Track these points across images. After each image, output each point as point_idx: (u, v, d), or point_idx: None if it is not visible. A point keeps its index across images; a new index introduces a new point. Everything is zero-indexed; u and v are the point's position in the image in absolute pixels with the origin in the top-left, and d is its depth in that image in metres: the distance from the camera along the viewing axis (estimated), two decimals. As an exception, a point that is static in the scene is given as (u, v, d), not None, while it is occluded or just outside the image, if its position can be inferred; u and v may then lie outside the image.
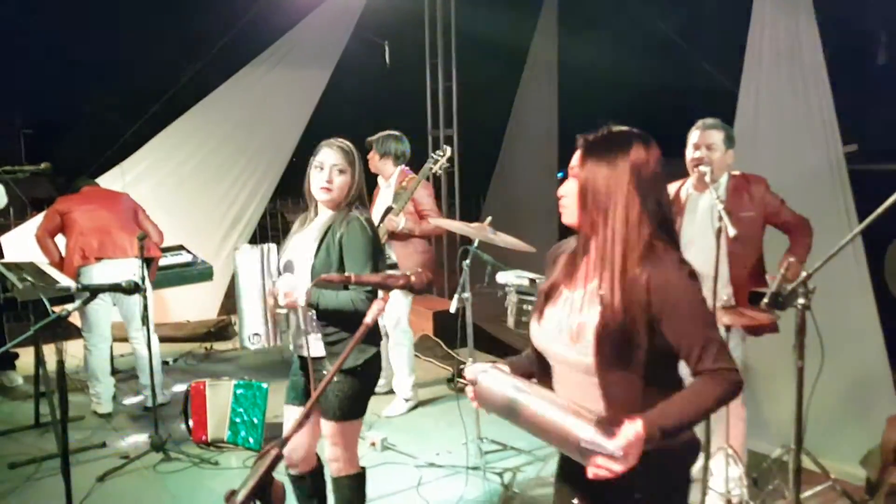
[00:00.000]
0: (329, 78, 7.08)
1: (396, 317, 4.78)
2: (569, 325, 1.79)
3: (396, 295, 4.66)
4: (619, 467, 1.55)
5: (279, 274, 2.79)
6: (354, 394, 2.76)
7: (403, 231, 4.52)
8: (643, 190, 1.75)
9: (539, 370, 1.95)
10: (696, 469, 3.13)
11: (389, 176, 4.76)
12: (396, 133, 4.78)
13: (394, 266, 4.50)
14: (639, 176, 1.75)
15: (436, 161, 4.51)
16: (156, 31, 9.71)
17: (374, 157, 4.71)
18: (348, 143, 2.84)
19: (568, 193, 1.82)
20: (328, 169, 2.75)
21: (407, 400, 4.88)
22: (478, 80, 7.92)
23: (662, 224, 1.78)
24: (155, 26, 9.72)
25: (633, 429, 1.57)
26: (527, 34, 7.93)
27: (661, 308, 1.71)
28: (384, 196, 4.76)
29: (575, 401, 1.70)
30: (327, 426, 2.79)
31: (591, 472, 1.57)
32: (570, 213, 1.82)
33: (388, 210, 4.58)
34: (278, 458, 1.49)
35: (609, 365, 1.74)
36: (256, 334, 2.76)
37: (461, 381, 5.19)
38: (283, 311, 2.77)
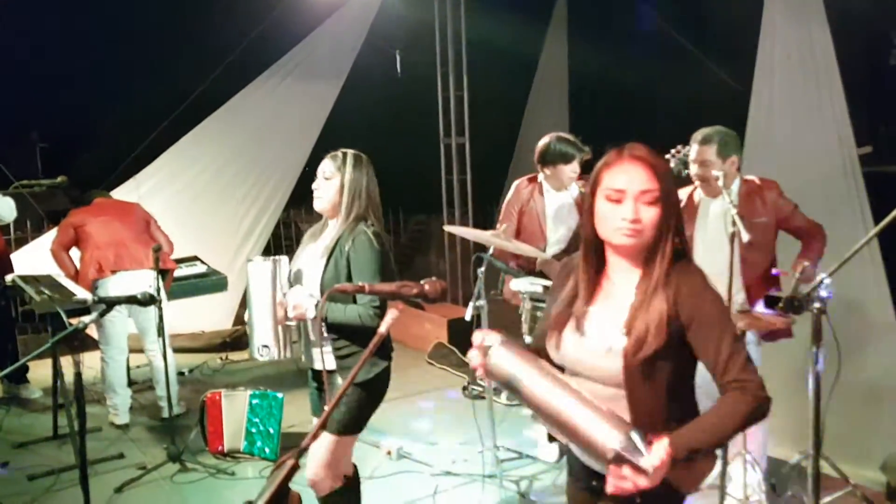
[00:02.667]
0: (341, 88, 7.11)
1: None
2: (603, 340, 1.78)
3: None
4: (644, 483, 1.55)
5: (290, 286, 2.79)
6: (360, 408, 2.74)
7: None
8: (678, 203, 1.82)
9: None
10: (715, 475, 3.12)
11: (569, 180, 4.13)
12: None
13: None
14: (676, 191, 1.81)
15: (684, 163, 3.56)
16: (168, 44, 9.78)
17: (569, 166, 4.06)
18: (352, 152, 2.83)
19: (646, 219, 1.74)
20: (318, 176, 2.81)
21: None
22: (489, 89, 7.92)
23: (681, 232, 1.82)
24: (168, 39, 9.80)
25: (664, 448, 1.57)
26: (537, 42, 7.94)
27: (689, 317, 1.73)
28: (559, 201, 4.19)
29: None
30: (324, 437, 2.72)
31: (613, 485, 1.57)
32: (643, 236, 1.75)
33: None
34: (295, 468, 1.50)
35: (640, 379, 1.74)
36: (266, 346, 2.75)
37: (476, 388, 5.19)
38: (293, 323, 2.76)
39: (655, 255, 1.77)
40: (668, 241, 1.77)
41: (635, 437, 1.56)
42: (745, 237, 2.73)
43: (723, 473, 3.07)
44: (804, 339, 2.81)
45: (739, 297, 3.19)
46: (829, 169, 4.15)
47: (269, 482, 1.48)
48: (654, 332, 1.71)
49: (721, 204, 3.27)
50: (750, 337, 3.26)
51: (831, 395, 2.81)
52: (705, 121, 3.45)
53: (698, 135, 3.33)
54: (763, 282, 3.31)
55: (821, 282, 2.63)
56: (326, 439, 2.73)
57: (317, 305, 2.67)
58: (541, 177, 4.17)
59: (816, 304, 2.65)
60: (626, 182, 1.75)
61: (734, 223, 2.81)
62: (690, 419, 1.75)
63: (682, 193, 3.47)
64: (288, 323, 2.75)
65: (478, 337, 1.77)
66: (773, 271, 3.25)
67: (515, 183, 4.24)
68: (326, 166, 2.80)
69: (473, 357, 1.76)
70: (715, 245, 3.21)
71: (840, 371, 2.83)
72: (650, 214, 1.75)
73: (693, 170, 3.32)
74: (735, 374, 1.70)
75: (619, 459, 1.54)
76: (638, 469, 1.54)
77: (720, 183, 3.11)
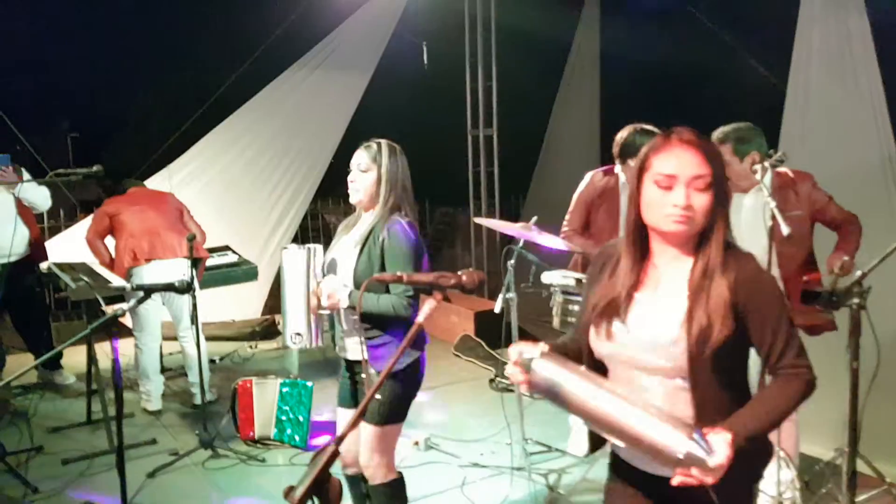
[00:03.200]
0: (370, 79, 7.12)
1: None
2: (662, 332, 1.73)
3: None
4: (710, 479, 1.54)
5: (324, 275, 2.80)
6: (397, 398, 2.73)
7: None
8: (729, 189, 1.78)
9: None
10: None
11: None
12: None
13: None
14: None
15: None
16: (200, 35, 9.85)
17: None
18: (385, 142, 2.79)
19: (698, 205, 1.70)
20: (353, 169, 2.77)
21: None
22: (518, 78, 7.89)
23: (728, 220, 1.79)
24: (199, 30, 9.87)
25: (727, 444, 1.56)
26: (569, 29, 7.87)
27: (747, 303, 1.71)
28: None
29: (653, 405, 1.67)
30: (367, 430, 2.74)
31: (678, 480, 1.56)
32: (694, 223, 1.71)
33: None
34: (335, 455, 1.51)
35: (706, 371, 1.71)
36: (298, 334, 2.75)
37: (503, 380, 5.18)
38: (326, 312, 2.77)
39: (709, 242, 1.73)
40: (721, 228, 1.73)
41: (698, 437, 1.55)
42: (786, 231, 2.68)
43: (756, 469, 3.03)
44: (841, 334, 2.77)
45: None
46: (867, 163, 4.08)
47: (309, 468, 1.49)
48: (720, 322, 1.68)
49: (755, 198, 3.22)
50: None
51: (869, 392, 2.76)
52: (738, 111, 3.40)
53: (714, 134, 3.26)
54: (801, 274, 3.26)
55: (861, 278, 2.59)
56: (372, 431, 2.73)
57: (350, 295, 2.67)
58: (618, 169, 3.91)
59: (855, 300, 2.61)
60: (677, 167, 1.69)
61: (773, 217, 2.76)
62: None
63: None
64: (321, 312, 2.76)
65: (514, 352, 1.72)
66: (805, 278, 3.19)
67: (589, 174, 4.03)
68: (362, 158, 2.76)
69: (514, 374, 1.71)
70: (749, 240, 3.16)
71: (879, 367, 2.78)
72: (702, 201, 1.70)
73: None
74: (791, 360, 1.72)
75: (687, 461, 1.53)
76: (705, 468, 1.53)
77: (758, 176, 3.06)
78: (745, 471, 1.77)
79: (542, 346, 1.72)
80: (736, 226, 3.24)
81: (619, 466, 1.94)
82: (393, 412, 2.75)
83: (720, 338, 1.68)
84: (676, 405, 1.73)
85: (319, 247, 2.82)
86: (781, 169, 3.32)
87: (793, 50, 4.47)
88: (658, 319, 1.75)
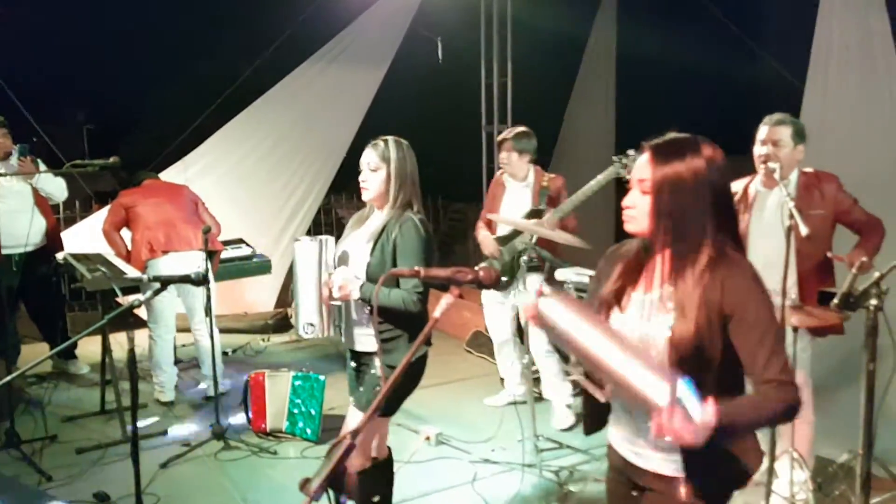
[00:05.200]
0: (384, 75, 7.11)
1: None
2: (650, 329, 1.78)
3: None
4: (689, 436, 1.50)
5: (335, 266, 2.82)
6: (394, 391, 2.75)
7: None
8: (714, 192, 1.76)
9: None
10: (761, 472, 3.08)
11: (525, 175, 4.48)
12: (528, 129, 4.48)
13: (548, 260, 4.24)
14: (710, 179, 1.75)
15: (624, 165, 4.00)
16: (215, 29, 9.88)
17: (510, 156, 4.43)
18: (392, 138, 2.84)
19: (636, 204, 1.80)
20: (364, 168, 2.83)
21: (569, 406, 4.51)
22: (533, 75, 7.86)
23: (730, 225, 1.81)
24: (214, 24, 9.90)
25: (713, 407, 1.54)
26: (585, 26, 7.83)
27: (733, 310, 1.71)
28: (518, 196, 4.47)
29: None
30: (357, 415, 2.78)
31: (657, 427, 1.53)
32: (638, 223, 1.81)
33: (539, 212, 4.31)
34: (351, 448, 1.52)
35: (687, 370, 1.69)
36: (311, 324, 2.79)
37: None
38: (338, 303, 2.80)
39: (656, 247, 1.80)
40: (663, 232, 1.76)
41: (688, 384, 1.54)
42: (804, 231, 2.66)
43: (769, 470, 3.03)
44: (857, 335, 2.74)
45: (793, 291, 3.12)
46: (886, 163, 4.04)
47: (326, 461, 1.50)
48: (690, 316, 1.70)
49: (778, 195, 3.20)
50: (803, 332, 3.20)
51: (885, 395, 2.74)
52: (756, 109, 3.38)
53: (774, 116, 3.26)
54: (817, 273, 3.24)
55: (879, 279, 2.57)
56: (358, 417, 2.76)
57: (363, 287, 2.71)
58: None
59: (873, 301, 2.59)
60: (634, 170, 1.83)
61: (791, 216, 2.75)
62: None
63: (738, 185, 3.40)
64: (333, 303, 2.79)
65: (534, 284, 1.79)
66: (828, 254, 3.17)
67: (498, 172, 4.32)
68: (370, 157, 2.81)
69: (526, 305, 1.77)
70: (769, 237, 3.14)
71: (895, 369, 2.76)
72: (644, 203, 1.78)
73: (761, 151, 3.23)
74: (774, 374, 1.68)
75: (671, 403, 1.50)
76: (686, 419, 1.50)
77: (776, 176, 3.04)
78: (726, 471, 1.79)
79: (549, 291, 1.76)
80: (759, 221, 3.27)
81: (612, 457, 1.99)
82: (388, 404, 2.76)
83: (689, 332, 1.70)
84: None
85: (331, 238, 2.86)
86: (808, 169, 3.30)
87: (811, 48, 4.43)
88: (644, 314, 1.80)
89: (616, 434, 1.96)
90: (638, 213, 1.80)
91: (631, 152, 3.92)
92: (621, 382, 1.57)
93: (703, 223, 1.75)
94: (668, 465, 1.83)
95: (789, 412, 1.69)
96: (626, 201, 1.82)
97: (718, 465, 1.77)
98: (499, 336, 4.73)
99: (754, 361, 1.69)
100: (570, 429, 4.41)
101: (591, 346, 1.62)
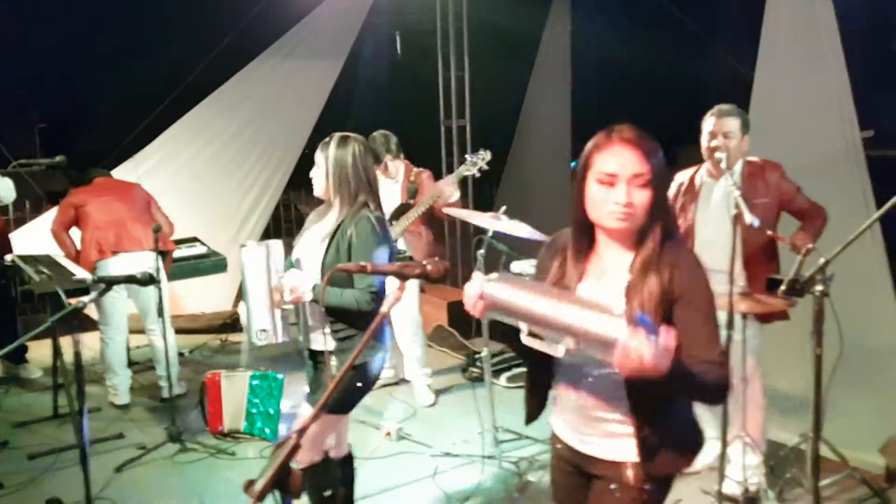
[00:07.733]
0: (341, 69, 7.06)
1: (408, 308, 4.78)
2: None
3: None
4: (652, 358, 1.48)
5: (288, 268, 2.81)
6: (351, 388, 2.75)
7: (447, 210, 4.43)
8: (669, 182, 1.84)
9: (540, 371, 1.94)
10: (714, 457, 3.13)
11: (397, 172, 4.76)
12: (385, 131, 4.76)
13: (409, 258, 4.48)
14: (668, 170, 1.81)
15: (474, 164, 4.50)
16: (166, 24, 9.71)
17: (391, 161, 4.70)
18: (340, 135, 2.83)
19: (638, 202, 1.74)
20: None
21: (429, 386, 4.90)
22: (490, 69, 7.86)
23: (671, 213, 1.90)
24: (165, 19, 9.72)
25: (672, 333, 1.53)
26: (539, 22, 7.86)
27: (680, 293, 1.75)
28: (390, 192, 4.66)
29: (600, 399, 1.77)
30: (308, 412, 2.78)
31: (621, 357, 1.50)
32: (635, 219, 1.76)
33: (406, 206, 4.58)
34: (296, 447, 1.49)
35: None
36: (264, 330, 2.78)
37: (475, 370, 5.19)
38: (290, 306, 2.80)
39: (647, 236, 1.78)
40: (659, 223, 1.78)
41: (644, 319, 1.56)
42: (749, 219, 2.70)
43: (722, 455, 3.07)
44: (805, 321, 2.80)
45: (741, 278, 3.17)
46: (832, 151, 4.13)
47: (271, 461, 1.47)
48: (653, 315, 1.70)
49: (724, 185, 3.25)
50: (752, 319, 3.26)
51: (832, 378, 2.80)
52: (708, 101, 3.43)
53: (722, 107, 3.31)
54: (762, 257, 3.30)
55: (824, 265, 2.62)
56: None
57: (314, 288, 2.70)
58: None
59: (819, 287, 2.64)
60: (618, 166, 1.74)
61: (737, 205, 2.79)
62: (688, 415, 1.87)
63: (684, 175, 3.46)
64: (285, 306, 2.77)
65: (477, 276, 1.75)
66: (768, 232, 3.22)
67: None
68: (316, 154, 2.85)
69: (471, 296, 1.71)
70: (716, 227, 3.19)
71: (841, 354, 2.82)
72: (642, 198, 1.75)
73: (710, 143, 3.27)
74: (714, 356, 1.73)
75: (633, 325, 1.50)
76: (649, 340, 1.49)
77: (723, 165, 3.09)
78: (674, 451, 1.83)
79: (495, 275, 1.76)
80: (705, 211, 3.31)
81: (556, 445, 2.02)
82: (340, 402, 2.75)
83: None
84: (618, 394, 1.79)
85: (279, 242, 2.84)
86: (751, 158, 3.36)
87: (760, 38, 4.50)
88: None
89: (560, 423, 1.97)
90: (637, 209, 1.75)
91: (482, 152, 4.40)
92: (580, 333, 1.57)
93: (668, 212, 1.83)
94: (615, 451, 1.85)
95: (722, 391, 1.77)
96: (623, 199, 1.73)
97: (668, 444, 1.81)
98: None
99: (696, 343, 1.71)
100: (433, 405, 4.79)
101: (546, 310, 1.62)
